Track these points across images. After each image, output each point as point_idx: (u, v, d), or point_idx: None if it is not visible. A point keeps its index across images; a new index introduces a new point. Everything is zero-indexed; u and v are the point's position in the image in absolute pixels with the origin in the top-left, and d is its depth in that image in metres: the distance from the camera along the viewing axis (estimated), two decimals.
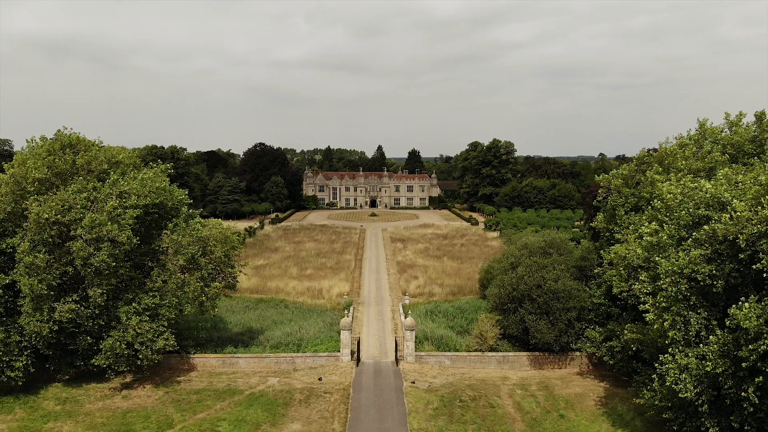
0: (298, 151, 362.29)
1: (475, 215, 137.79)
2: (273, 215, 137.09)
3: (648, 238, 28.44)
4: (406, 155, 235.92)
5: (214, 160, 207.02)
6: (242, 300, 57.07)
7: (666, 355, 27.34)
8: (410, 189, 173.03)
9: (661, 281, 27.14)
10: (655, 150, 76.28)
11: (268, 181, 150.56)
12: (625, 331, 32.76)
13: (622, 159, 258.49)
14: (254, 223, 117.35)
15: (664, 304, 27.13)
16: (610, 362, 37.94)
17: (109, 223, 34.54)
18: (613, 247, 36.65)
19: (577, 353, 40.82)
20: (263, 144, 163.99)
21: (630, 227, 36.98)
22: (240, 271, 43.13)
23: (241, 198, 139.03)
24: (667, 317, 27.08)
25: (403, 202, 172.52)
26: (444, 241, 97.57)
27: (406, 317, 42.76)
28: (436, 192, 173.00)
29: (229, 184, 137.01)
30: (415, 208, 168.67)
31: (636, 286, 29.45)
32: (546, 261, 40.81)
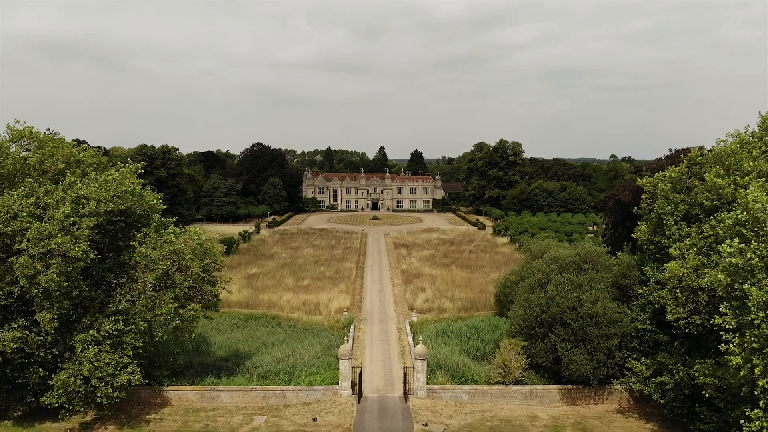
0: (298, 152, 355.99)
1: (481, 219, 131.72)
2: (270, 218, 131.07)
3: (731, 259, 22.40)
4: (407, 156, 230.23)
5: (212, 160, 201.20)
6: (230, 316, 51.10)
7: (755, 410, 21.34)
8: (413, 191, 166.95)
9: (752, 315, 21.16)
10: (686, 150, 70.41)
11: (266, 183, 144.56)
12: (696, 373, 26.70)
13: (628, 161, 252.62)
14: (250, 227, 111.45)
15: (754, 345, 21.15)
16: (661, 401, 31.92)
17: (60, 234, 28.57)
18: (667, 264, 30.72)
19: (617, 386, 34.81)
20: (261, 144, 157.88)
21: (686, 240, 31.06)
22: (223, 288, 37.19)
23: (238, 200, 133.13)
24: (757, 361, 21.11)
25: (405, 205, 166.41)
26: (451, 248, 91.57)
27: (416, 344, 36.79)
28: (440, 194, 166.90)
29: (224, 186, 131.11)
30: (418, 211, 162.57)
31: (716, 320, 23.39)
32: (581, 279, 34.79)
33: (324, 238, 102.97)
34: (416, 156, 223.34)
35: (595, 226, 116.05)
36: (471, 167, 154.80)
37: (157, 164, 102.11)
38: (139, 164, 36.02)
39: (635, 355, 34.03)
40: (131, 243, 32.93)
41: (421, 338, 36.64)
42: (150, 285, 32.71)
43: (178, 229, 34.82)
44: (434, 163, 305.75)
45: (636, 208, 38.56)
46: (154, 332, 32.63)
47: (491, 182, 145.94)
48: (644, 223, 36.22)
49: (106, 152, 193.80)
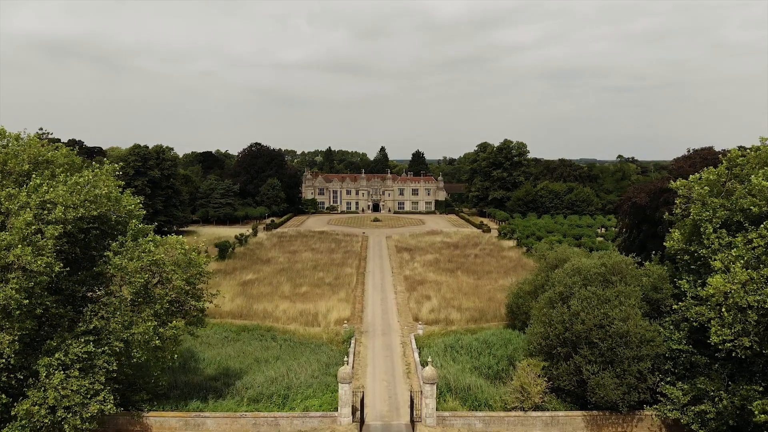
0: (298, 152, 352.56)
1: (486, 221, 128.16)
2: (268, 220, 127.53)
3: None
4: (408, 157, 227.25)
5: (210, 161, 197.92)
6: (222, 328, 47.57)
7: None
8: (415, 192, 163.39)
9: None
10: (705, 150, 66.87)
11: (264, 184, 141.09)
12: (755, 410, 23.14)
13: (632, 161, 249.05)
14: (246, 230, 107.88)
15: None
16: (701, 431, 28.37)
17: (21, 245, 25.04)
18: (710, 279, 27.16)
19: (648, 412, 31.23)
20: (259, 144, 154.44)
21: (732, 251, 27.51)
22: (210, 302, 33.60)
23: (235, 201, 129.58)
24: None
25: (407, 207, 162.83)
26: (455, 251, 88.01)
27: (423, 364, 33.28)
28: (442, 196, 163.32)
29: (221, 187, 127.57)
30: (420, 213, 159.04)
31: None
32: (609, 293, 31.22)
33: (323, 241, 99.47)
34: (418, 156, 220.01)
35: (603, 229, 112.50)
36: (474, 168, 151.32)
37: (151, 165, 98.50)
38: (116, 165, 32.33)
39: (669, 379, 30.53)
40: (106, 253, 29.37)
41: (429, 359, 33.04)
42: (126, 300, 29.18)
43: (159, 237, 31.28)
44: (435, 164, 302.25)
45: (668, 214, 35.10)
46: (132, 353, 29.08)
47: (495, 183, 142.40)
48: (676, 230, 32.70)
49: (102, 152, 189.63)
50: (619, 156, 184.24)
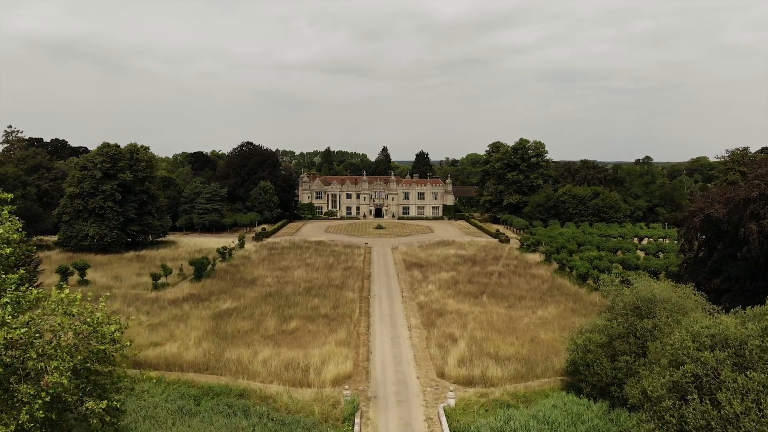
0: (297, 153, 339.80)
1: (501, 229, 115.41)
2: (259, 228, 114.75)
3: None
4: (409, 158, 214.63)
5: (201, 162, 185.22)
6: (178, 390, 34.95)
7: None
8: (421, 196, 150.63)
9: None
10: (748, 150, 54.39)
11: (256, 187, 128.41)
12: None
13: (643, 163, 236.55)
14: (233, 240, 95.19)
15: None
16: None
17: None
18: None
19: None
20: (251, 143, 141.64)
21: None
22: (121, 397, 20.96)
23: (222, 207, 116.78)
24: None
25: (412, 212, 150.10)
26: (474, 268, 75.42)
27: None
28: (450, 200, 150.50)
29: (207, 191, 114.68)
30: (427, 219, 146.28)
31: None
32: None
33: (320, 254, 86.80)
34: (421, 157, 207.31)
35: (636, 239, 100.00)
36: (486, 170, 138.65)
37: (122, 166, 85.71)
38: None
39: None
40: None
41: None
42: None
43: (34, 291, 18.68)
44: (437, 165, 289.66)
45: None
46: None
47: (510, 187, 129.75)
48: None
49: (86, 152, 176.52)
50: (647, 157, 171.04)
